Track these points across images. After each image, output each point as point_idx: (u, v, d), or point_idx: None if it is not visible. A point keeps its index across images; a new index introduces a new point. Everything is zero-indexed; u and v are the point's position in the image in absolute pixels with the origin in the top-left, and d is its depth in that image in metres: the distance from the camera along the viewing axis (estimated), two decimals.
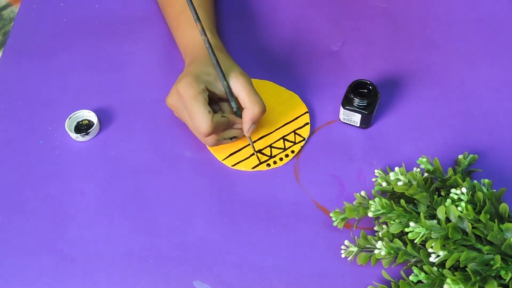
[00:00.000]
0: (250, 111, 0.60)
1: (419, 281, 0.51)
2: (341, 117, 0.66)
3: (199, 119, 0.58)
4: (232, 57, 0.72)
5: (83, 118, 0.68)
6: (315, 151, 0.65)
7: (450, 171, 0.57)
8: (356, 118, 0.65)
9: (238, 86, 0.60)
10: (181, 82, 0.59)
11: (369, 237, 0.56)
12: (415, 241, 0.51)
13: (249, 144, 0.65)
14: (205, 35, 0.59)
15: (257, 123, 0.62)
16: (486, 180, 0.56)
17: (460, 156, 0.61)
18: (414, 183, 0.54)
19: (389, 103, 0.68)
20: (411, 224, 0.51)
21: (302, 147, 0.65)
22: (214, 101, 0.63)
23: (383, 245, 0.53)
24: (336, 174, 0.63)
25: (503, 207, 0.52)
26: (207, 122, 0.58)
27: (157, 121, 0.68)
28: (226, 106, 0.63)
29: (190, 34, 0.67)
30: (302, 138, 0.66)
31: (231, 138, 0.63)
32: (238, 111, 0.63)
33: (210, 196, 0.62)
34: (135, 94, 0.70)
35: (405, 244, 0.54)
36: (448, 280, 0.49)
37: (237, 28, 0.76)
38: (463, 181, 0.54)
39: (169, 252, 0.58)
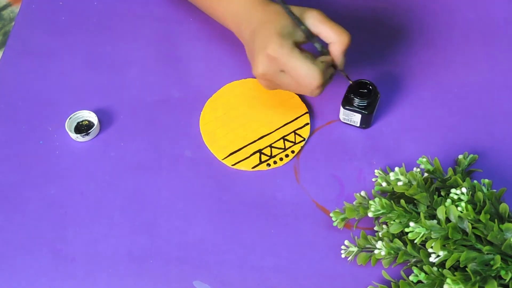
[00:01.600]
0: (339, 43, 0.58)
1: (419, 281, 0.51)
2: (341, 117, 0.66)
3: (309, 72, 0.56)
4: (232, 57, 0.72)
5: (83, 119, 0.68)
6: (315, 151, 0.65)
7: (450, 171, 0.57)
8: (356, 118, 0.65)
9: (317, 23, 0.58)
10: (269, 45, 0.56)
11: (369, 237, 0.56)
12: (415, 241, 0.51)
13: (249, 144, 0.65)
14: None
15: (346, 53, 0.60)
16: (486, 180, 0.56)
17: (460, 156, 0.61)
18: (414, 183, 0.54)
19: (389, 103, 0.68)
20: (411, 224, 0.51)
21: (302, 147, 0.65)
22: None
23: (383, 245, 0.53)
24: (336, 174, 0.63)
25: (503, 207, 0.52)
26: (318, 72, 0.56)
27: (157, 121, 0.68)
28: (308, 54, 0.59)
29: (236, 2, 0.63)
30: (302, 138, 0.66)
31: (330, 78, 0.60)
32: (324, 49, 0.60)
33: (210, 196, 0.62)
34: (135, 94, 0.70)
35: (405, 244, 0.54)
36: (448, 280, 0.49)
37: None
38: (463, 181, 0.54)
39: (169, 252, 0.58)
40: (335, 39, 0.59)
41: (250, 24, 0.60)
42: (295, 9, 0.59)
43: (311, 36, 0.59)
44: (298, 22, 0.58)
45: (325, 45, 0.60)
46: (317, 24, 0.59)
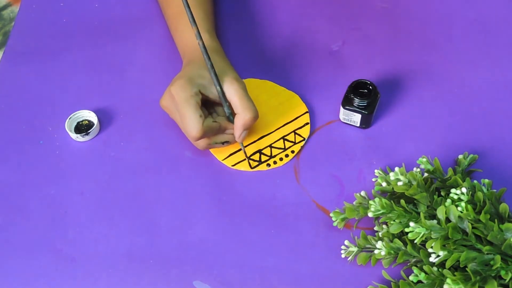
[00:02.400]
0: (241, 116, 0.60)
1: (419, 281, 0.51)
2: (341, 117, 0.66)
3: (189, 122, 0.58)
4: (232, 57, 0.72)
5: (83, 118, 0.68)
6: (315, 151, 0.65)
7: (450, 171, 0.57)
8: (356, 118, 0.65)
9: (232, 91, 0.60)
10: (174, 84, 0.59)
11: (369, 237, 0.56)
12: (415, 241, 0.51)
13: (249, 144, 0.65)
14: (201, 39, 0.59)
15: (249, 129, 0.62)
16: (486, 180, 0.56)
17: (460, 156, 0.61)
18: (414, 183, 0.54)
19: (389, 103, 0.68)
20: (411, 224, 0.51)
21: (302, 147, 0.65)
22: (209, 104, 0.63)
23: (383, 245, 0.53)
24: (336, 174, 0.63)
25: (503, 207, 0.52)
26: (198, 126, 0.58)
27: (157, 121, 0.68)
28: (221, 110, 0.63)
29: (188, 35, 0.67)
30: (302, 138, 0.66)
31: (222, 143, 0.62)
32: (231, 116, 0.62)
33: (210, 196, 0.62)
34: (135, 94, 0.70)
35: (405, 244, 0.54)
36: (448, 280, 0.49)
37: (237, 28, 0.76)
38: (463, 181, 0.54)
39: (169, 252, 0.58)
40: (240, 112, 0.60)
41: (185, 60, 0.65)
42: (224, 68, 0.62)
43: (223, 99, 0.61)
44: (216, 81, 0.60)
45: (234, 114, 0.62)
46: (231, 91, 0.60)
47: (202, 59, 0.62)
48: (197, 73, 0.61)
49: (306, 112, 0.68)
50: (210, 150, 0.65)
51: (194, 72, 0.61)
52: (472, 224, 0.50)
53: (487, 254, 0.50)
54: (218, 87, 0.60)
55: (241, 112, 0.60)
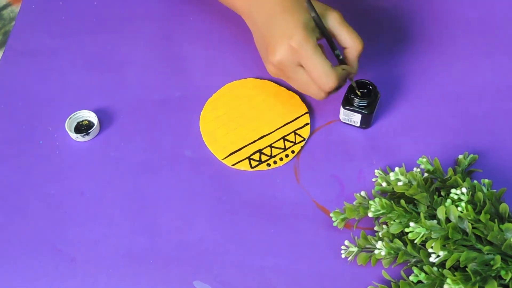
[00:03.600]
0: (354, 49, 0.59)
1: (419, 281, 0.51)
2: (341, 117, 0.66)
3: (326, 75, 0.55)
4: (232, 57, 0.72)
5: (83, 119, 0.68)
6: (315, 151, 0.65)
7: (450, 171, 0.57)
8: (356, 118, 0.65)
9: (337, 25, 0.58)
10: (294, 37, 0.55)
11: (369, 237, 0.56)
12: (415, 241, 0.51)
13: (249, 144, 0.65)
14: None
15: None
16: (486, 180, 0.56)
17: (460, 156, 0.61)
18: (414, 183, 0.54)
19: (389, 103, 0.68)
20: (411, 224, 0.51)
21: (302, 147, 0.65)
22: None
23: (383, 245, 0.53)
24: (336, 174, 0.63)
25: (503, 207, 0.52)
26: (335, 77, 0.55)
27: (157, 121, 0.68)
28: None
29: None
30: (302, 138, 0.66)
31: (337, 88, 0.59)
32: (343, 60, 0.61)
33: (210, 196, 0.62)
34: (135, 94, 0.70)
35: (405, 244, 0.54)
36: (448, 280, 0.49)
37: (237, 28, 0.76)
38: (463, 181, 0.54)
39: (169, 252, 0.58)
40: (351, 45, 0.58)
41: (265, 6, 0.58)
42: (316, 4, 0.58)
43: (329, 38, 0.58)
44: (320, 21, 0.57)
45: (340, 50, 0.60)
46: (336, 26, 0.58)
47: (287, 2, 0.57)
48: (306, 19, 0.56)
49: (306, 112, 0.68)
50: (210, 149, 0.65)
51: (302, 19, 0.56)
52: (472, 224, 0.50)
53: (487, 254, 0.50)
54: (325, 29, 0.57)
55: (352, 44, 0.58)
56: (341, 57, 0.61)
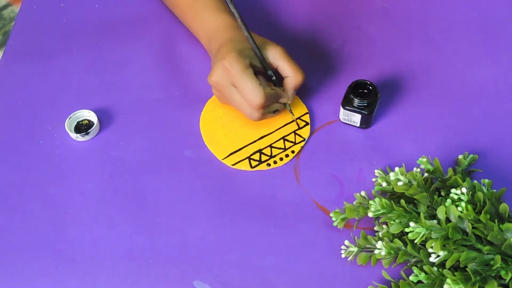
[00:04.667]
0: (293, 79, 0.63)
1: (419, 281, 0.51)
2: (341, 117, 0.66)
3: (252, 91, 0.59)
4: None
5: (83, 118, 0.68)
6: (315, 151, 0.65)
7: (450, 171, 0.57)
8: (356, 118, 0.65)
9: (277, 56, 0.63)
10: (227, 58, 0.60)
11: (369, 237, 0.56)
12: (415, 241, 0.51)
13: (249, 144, 0.65)
14: (239, 14, 0.61)
15: (296, 90, 0.65)
16: (486, 180, 0.56)
17: (460, 156, 0.61)
18: (414, 183, 0.54)
19: (389, 103, 0.68)
20: (411, 224, 0.51)
21: (302, 147, 0.65)
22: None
23: (383, 245, 0.53)
24: (336, 174, 0.63)
25: (503, 207, 0.52)
26: (261, 94, 0.59)
27: (157, 121, 0.68)
28: (261, 80, 0.64)
29: (211, 19, 0.67)
30: (302, 139, 0.66)
31: (274, 112, 0.65)
32: (276, 81, 0.65)
33: (210, 196, 0.62)
34: (135, 94, 0.70)
35: (405, 244, 0.54)
36: (448, 280, 0.49)
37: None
38: (463, 181, 0.54)
39: (169, 252, 0.58)
40: (291, 75, 0.63)
41: (218, 41, 0.65)
42: (259, 39, 0.64)
43: (266, 65, 0.63)
44: (257, 50, 0.62)
45: (280, 79, 0.65)
46: (277, 58, 0.64)
47: (236, 35, 0.64)
48: (242, 46, 0.62)
49: (306, 113, 0.68)
50: (210, 149, 0.65)
51: (238, 46, 0.62)
52: (472, 224, 0.50)
53: (487, 254, 0.50)
54: (260, 55, 0.63)
55: (292, 74, 0.63)
56: (273, 77, 0.65)
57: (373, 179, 0.62)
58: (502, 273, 0.49)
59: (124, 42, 0.75)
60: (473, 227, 0.51)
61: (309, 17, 0.77)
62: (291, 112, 0.66)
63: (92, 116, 0.67)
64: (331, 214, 0.57)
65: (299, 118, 0.67)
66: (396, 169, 0.55)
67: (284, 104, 0.66)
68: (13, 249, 0.59)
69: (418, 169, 0.58)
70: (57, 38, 0.76)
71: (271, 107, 0.64)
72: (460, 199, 0.52)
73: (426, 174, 0.57)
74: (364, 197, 0.57)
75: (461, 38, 0.74)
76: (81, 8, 0.79)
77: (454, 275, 0.49)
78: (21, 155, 0.65)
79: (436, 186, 0.56)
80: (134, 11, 0.79)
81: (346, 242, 0.56)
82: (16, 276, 0.57)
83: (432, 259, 0.51)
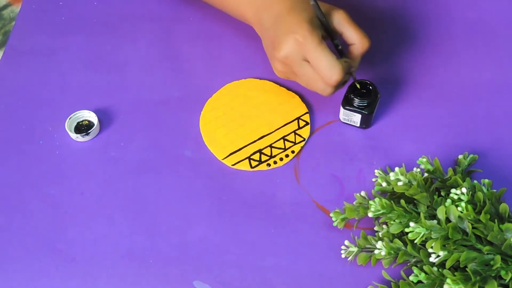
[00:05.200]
0: (359, 46, 0.60)
1: (419, 281, 0.51)
2: (341, 117, 0.66)
3: (330, 68, 0.56)
4: (232, 57, 0.72)
5: (83, 119, 0.68)
6: (315, 151, 0.65)
7: (450, 171, 0.57)
8: (356, 118, 0.65)
9: (342, 21, 0.60)
10: (299, 31, 0.56)
11: (369, 237, 0.56)
12: (415, 241, 0.51)
13: (249, 144, 0.65)
14: None
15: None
16: (486, 180, 0.56)
17: (460, 156, 0.61)
18: (414, 183, 0.54)
19: (389, 103, 0.68)
20: (411, 224, 0.51)
21: (302, 147, 0.65)
22: None
23: (383, 245, 0.53)
24: (336, 174, 0.63)
25: (503, 207, 0.52)
26: (339, 67, 0.56)
27: (157, 121, 0.68)
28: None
29: None
30: (302, 139, 0.66)
31: (343, 84, 0.61)
32: (342, 50, 0.62)
33: (210, 196, 0.62)
34: (135, 94, 0.70)
35: (405, 244, 0.54)
36: (448, 280, 0.49)
37: (237, 27, 0.76)
38: (463, 181, 0.54)
39: (169, 252, 0.58)
40: (357, 41, 0.60)
41: (272, 10, 0.60)
42: (321, 5, 0.60)
43: (333, 33, 0.59)
44: (324, 18, 0.58)
45: (344, 47, 0.61)
46: (342, 23, 0.60)
47: (297, 2, 0.59)
48: (309, 16, 0.58)
49: (306, 112, 0.68)
50: (210, 150, 0.65)
51: (306, 16, 0.57)
52: (472, 224, 0.50)
53: (487, 254, 0.50)
54: (328, 25, 0.59)
55: (358, 40, 0.60)
56: (339, 47, 0.61)
57: (373, 179, 0.62)
58: (502, 273, 0.49)
59: (124, 42, 0.75)
60: (473, 227, 0.51)
61: None
62: (355, 79, 0.62)
63: (92, 117, 0.67)
64: (331, 214, 0.57)
65: (298, 118, 0.67)
66: (396, 169, 0.55)
67: (350, 73, 0.62)
68: (13, 249, 0.59)
69: (418, 169, 0.58)
70: (57, 38, 0.76)
71: (347, 76, 0.61)
72: (460, 199, 0.52)
73: (426, 174, 0.57)
74: (364, 197, 0.57)
75: (461, 38, 0.74)
76: (81, 8, 0.79)
77: (454, 275, 0.49)
78: (21, 155, 0.65)
79: (436, 186, 0.56)
80: (134, 11, 0.79)
81: (346, 242, 0.56)
82: (16, 276, 0.57)
83: (432, 259, 0.51)
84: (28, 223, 0.60)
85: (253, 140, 0.66)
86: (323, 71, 0.56)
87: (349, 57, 0.62)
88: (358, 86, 0.63)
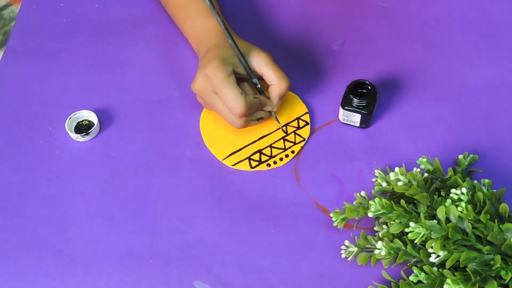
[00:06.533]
0: (277, 87, 0.62)
1: (419, 281, 0.51)
2: (341, 117, 0.66)
3: (233, 100, 0.59)
4: None
5: (83, 119, 0.68)
6: (315, 151, 0.65)
7: (450, 171, 0.57)
8: (355, 118, 0.65)
9: (262, 63, 0.62)
10: (209, 66, 0.60)
11: (369, 237, 0.56)
12: (415, 241, 0.51)
13: (249, 144, 0.65)
14: (222, 21, 0.61)
15: (283, 98, 0.64)
16: (486, 180, 0.56)
17: (460, 156, 0.61)
18: (414, 183, 0.54)
19: (389, 103, 0.68)
20: (411, 224, 0.51)
21: (302, 147, 0.65)
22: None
23: (383, 245, 0.53)
24: (336, 174, 0.63)
25: (503, 207, 0.52)
26: (242, 102, 0.59)
27: (157, 121, 0.68)
28: (246, 87, 0.63)
29: (202, 23, 0.67)
30: (302, 139, 0.66)
31: (258, 119, 0.64)
32: (261, 89, 0.64)
33: (210, 196, 0.62)
34: (135, 94, 0.70)
35: (405, 244, 0.54)
36: (448, 280, 0.49)
37: (237, 28, 0.75)
38: (463, 181, 0.54)
39: (169, 252, 0.58)
40: (276, 83, 0.62)
41: (206, 46, 0.65)
42: (245, 45, 0.63)
43: (251, 73, 0.63)
44: (242, 57, 0.61)
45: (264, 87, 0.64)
46: (262, 65, 0.63)
47: (223, 41, 0.64)
48: (227, 53, 0.62)
49: (306, 112, 0.68)
50: (210, 149, 0.65)
51: (223, 53, 0.61)
52: (472, 224, 0.50)
53: (487, 254, 0.50)
54: (244, 62, 0.62)
55: (277, 82, 0.62)
56: (258, 86, 0.64)
57: (373, 179, 0.62)
58: (502, 273, 0.49)
59: (124, 42, 0.75)
60: (473, 227, 0.51)
61: (309, 17, 0.77)
62: (277, 120, 0.66)
63: (92, 117, 0.67)
64: (331, 214, 0.57)
65: (298, 118, 0.67)
66: (396, 169, 0.55)
67: (270, 111, 0.65)
68: (13, 249, 0.59)
69: (418, 169, 0.58)
70: (57, 38, 0.76)
71: (254, 114, 0.63)
72: (460, 199, 0.52)
73: (426, 174, 0.57)
74: (364, 197, 0.57)
75: (461, 38, 0.74)
76: (81, 8, 0.79)
77: (454, 275, 0.49)
78: (21, 155, 0.65)
79: (436, 186, 0.56)
80: (134, 11, 0.79)
81: (346, 242, 0.56)
82: (16, 276, 0.57)
83: (432, 259, 0.51)
84: (28, 223, 0.60)
85: (253, 141, 0.66)
86: (228, 103, 0.59)
87: (267, 96, 0.65)
88: (277, 121, 0.66)
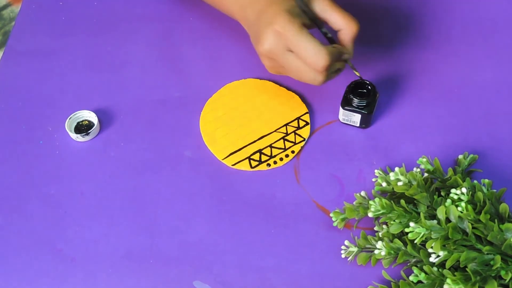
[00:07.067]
0: (348, 31, 0.57)
1: (419, 281, 0.51)
2: (341, 117, 0.66)
3: (315, 53, 0.54)
4: (232, 57, 0.72)
5: (83, 119, 0.68)
6: (315, 151, 0.65)
7: (450, 171, 0.57)
8: (355, 118, 0.65)
9: (326, 8, 0.57)
10: (278, 21, 0.54)
11: (369, 237, 0.56)
12: (415, 241, 0.51)
13: (249, 144, 0.65)
14: None
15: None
16: (486, 180, 0.56)
17: (460, 156, 0.61)
18: (414, 183, 0.54)
19: (389, 103, 0.68)
20: (411, 224, 0.51)
21: (302, 147, 0.65)
22: None
23: (383, 245, 0.53)
24: (336, 174, 0.63)
25: (503, 207, 0.52)
26: (325, 53, 0.54)
27: (157, 121, 0.68)
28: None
29: None
30: (302, 139, 0.66)
31: (336, 71, 0.59)
32: (332, 37, 0.60)
33: (210, 196, 0.62)
34: (135, 94, 0.70)
35: (405, 244, 0.54)
36: (448, 280, 0.49)
37: (238, 27, 0.75)
38: (463, 181, 0.54)
39: (169, 252, 0.58)
40: (344, 27, 0.57)
41: (255, 5, 0.59)
42: None
43: (318, 21, 0.57)
44: (304, 6, 0.57)
45: (333, 34, 0.59)
46: (325, 10, 0.57)
47: None
48: (288, 5, 0.56)
49: (306, 112, 0.68)
50: (210, 150, 0.65)
51: (285, 5, 0.56)
52: (472, 224, 0.50)
53: (487, 254, 0.50)
54: (309, 11, 0.57)
55: (346, 26, 0.57)
56: (329, 35, 0.59)
57: (373, 179, 0.62)
58: (502, 273, 0.49)
59: (124, 42, 0.75)
60: (473, 227, 0.51)
61: None
62: (354, 68, 0.61)
63: (92, 117, 0.67)
64: (331, 214, 0.57)
65: (298, 118, 0.67)
66: (396, 169, 0.55)
67: (345, 61, 0.60)
68: (13, 249, 0.59)
69: (418, 169, 0.58)
70: (57, 38, 0.76)
71: (333, 66, 0.58)
72: (460, 199, 0.52)
73: (426, 174, 0.57)
74: (364, 197, 0.57)
75: (461, 38, 0.74)
76: (81, 8, 0.79)
77: (454, 275, 0.49)
78: (21, 155, 0.65)
79: (436, 186, 0.56)
80: (134, 11, 0.79)
81: (346, 242, 0.56)
82: (16, 276, 0.57)
83: (432, 259, 0.51)
84: (28, 223, 0.60)
85: (253, 140, 0.66)
86: (308, 58, 0.54)
87: (340, 44, 0.60)
88: (353, 69, 0.61)
